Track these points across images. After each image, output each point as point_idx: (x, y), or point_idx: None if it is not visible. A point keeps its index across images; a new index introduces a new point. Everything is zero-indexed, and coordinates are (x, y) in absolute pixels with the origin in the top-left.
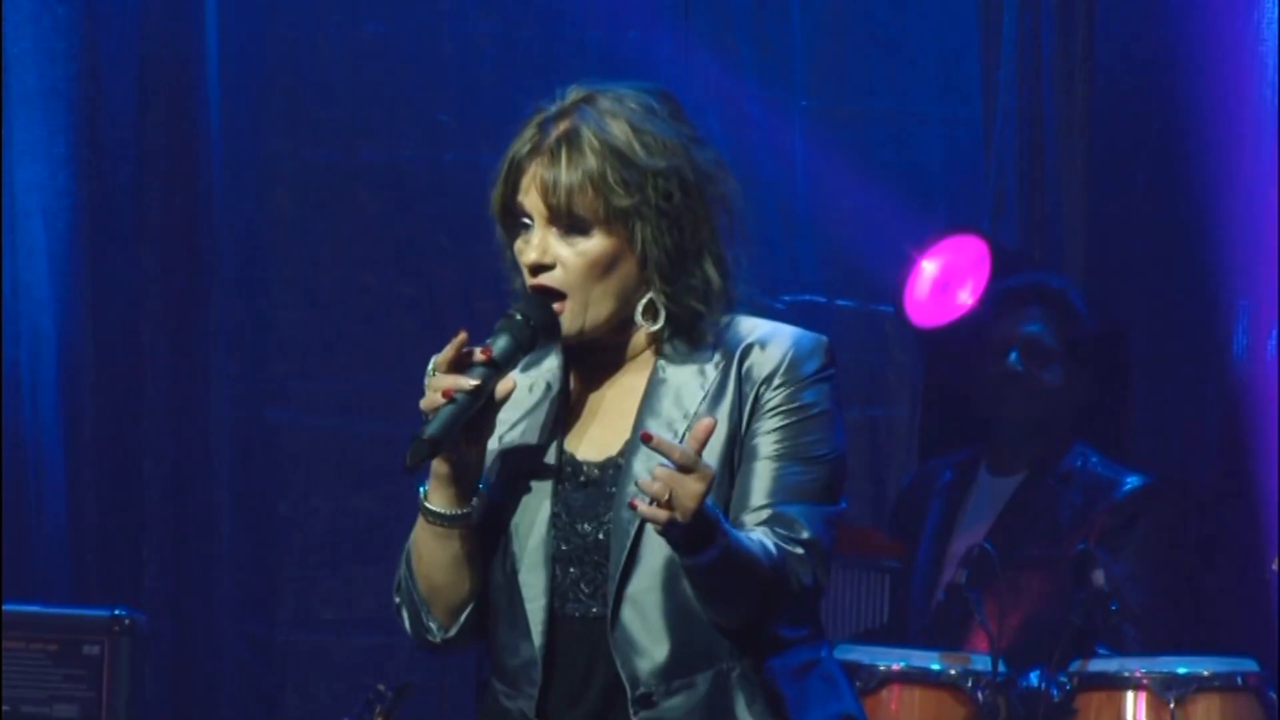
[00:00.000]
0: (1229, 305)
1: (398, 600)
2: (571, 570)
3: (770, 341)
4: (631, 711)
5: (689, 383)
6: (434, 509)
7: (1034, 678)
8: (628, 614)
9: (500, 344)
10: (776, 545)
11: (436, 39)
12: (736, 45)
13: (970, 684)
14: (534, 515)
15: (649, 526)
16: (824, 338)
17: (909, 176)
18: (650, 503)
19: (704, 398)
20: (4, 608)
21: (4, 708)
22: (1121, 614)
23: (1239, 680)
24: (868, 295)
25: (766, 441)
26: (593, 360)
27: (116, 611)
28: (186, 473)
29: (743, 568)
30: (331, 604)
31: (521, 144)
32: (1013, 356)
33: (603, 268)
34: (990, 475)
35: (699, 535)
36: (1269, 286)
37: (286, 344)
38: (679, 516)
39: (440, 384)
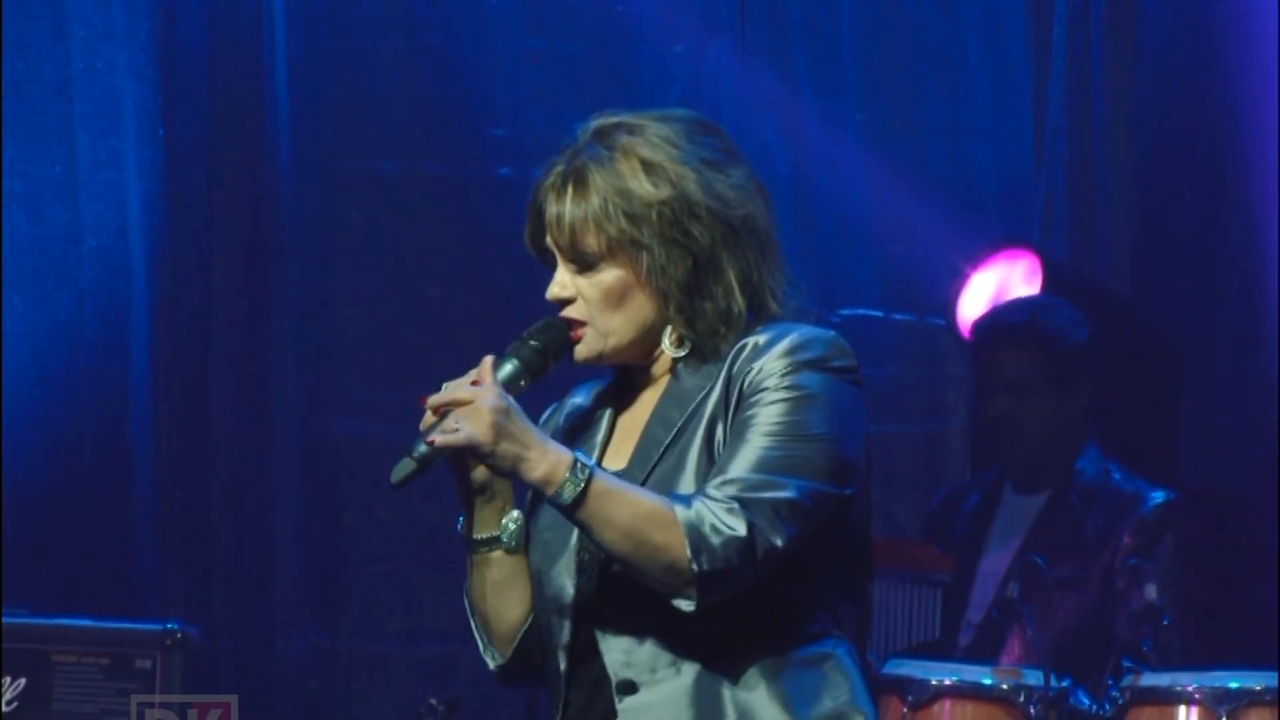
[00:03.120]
0: (1277, 314)
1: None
2: (590, 586)
3: (767, 335)
4: (615, 699)
5: (694, 387)
6: (462, 534)
7: (1083, 695)
8: (610, 607)
9: (505, 368)
10: (691, 498)
11: (489, 53)
12: (792, 58)
13: (1022, 698)
14: (566, 532)
15: None
16: (832, 333)
17: (963, 190)
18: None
19: (702, 396)
20: (57, 621)
21: None
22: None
23: None
24: (924, 309)
25: (746, 421)
26: (633, 382)
27: (169, 625)
28: (252, 483)
29: (623, 505)
30: (395, 615)
31: (542, 181)
32: (999, 400)
33: (616, 298)
34: (1015, 494)
35: (551, 471)
36: None
37: (351, 356)
38: (481, 439)
39: (434, 402)
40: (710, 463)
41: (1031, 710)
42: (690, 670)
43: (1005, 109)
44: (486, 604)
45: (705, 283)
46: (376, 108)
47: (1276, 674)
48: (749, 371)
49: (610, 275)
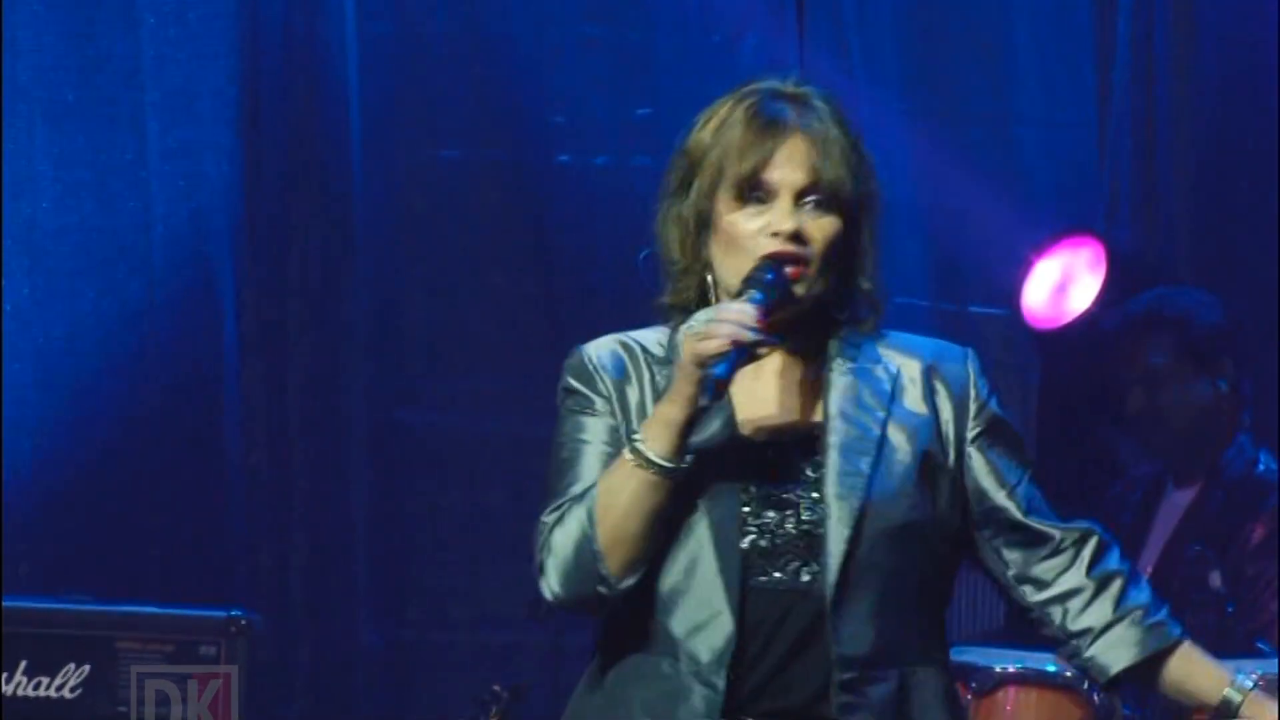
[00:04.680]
0: None
1: (543, 556)
2: (762, 542)
3: (950, 347)
4: (834, 693)
5: (872, 373)
6: (654, 458)
7: None
8: (845, 595)
9: (752, 294)
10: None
11: (548, 41)
12: (848, 43)
13: (1086, 685)
14: (726, 484)
15: (870, 507)
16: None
17: (1012, 180)
18: None
19: (890, 393)
20: (120, 609)
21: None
22: (1262, 622)
23: None
24: (970, 298)
25: (1000, 446)
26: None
27: (233, 612)
28: (324, 472)
29: None
30: (463, 603)
31: (776, 116)
32: (1135, 394)
33: (835, 248)
34: (1174, 488)
35: None
36: None
37: (417, 343)
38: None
39: (724, 330)
40: (934, 470)
41: (1095, 697)
42: (894, 677)
43: (1063, 96)
44: (638, 526)
45: (878, 253)
46: (439, 96)
47: None
48: (963, 390)
49: (836, 223)
